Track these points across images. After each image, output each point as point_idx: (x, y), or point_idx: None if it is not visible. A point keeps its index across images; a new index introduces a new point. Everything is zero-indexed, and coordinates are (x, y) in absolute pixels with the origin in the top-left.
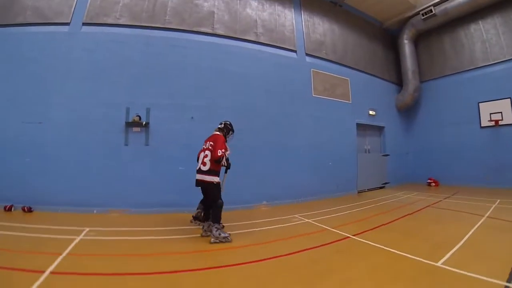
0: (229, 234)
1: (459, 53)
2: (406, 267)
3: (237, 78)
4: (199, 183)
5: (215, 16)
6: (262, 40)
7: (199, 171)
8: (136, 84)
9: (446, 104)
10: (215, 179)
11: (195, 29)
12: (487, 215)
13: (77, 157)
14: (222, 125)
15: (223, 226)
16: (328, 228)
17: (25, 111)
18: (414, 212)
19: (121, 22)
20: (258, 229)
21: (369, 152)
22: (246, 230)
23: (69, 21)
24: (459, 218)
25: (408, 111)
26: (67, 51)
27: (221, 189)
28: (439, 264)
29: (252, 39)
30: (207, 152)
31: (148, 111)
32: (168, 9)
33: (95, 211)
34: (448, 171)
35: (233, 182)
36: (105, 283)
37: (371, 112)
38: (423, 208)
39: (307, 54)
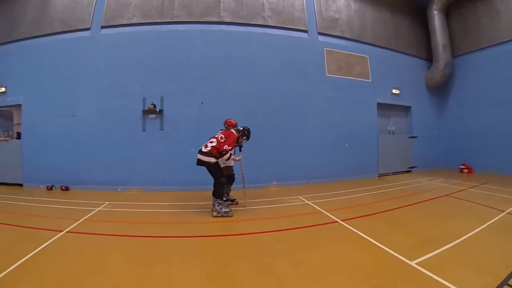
0: (230, 209)
1: (496, 22)
2: (371, 259)
3: (244, 63)
4: (198, 162)
5: (221, 4)
6: (270, 23)
7: (200, 151)
8: (150, 76)
9: (484, 82)
10: (211, 159)
11: (202, 19)
12: (508, 211)
13: (103, 143)
14: (241, 128)
15: (225, 201)
16: (322, 211)
17: (60, 107)
18: (425, 201)
19: (133, 21)
20: (257, 207)
21: (393, 134)
22: (245, 208)
23: (89, 27)
24: (473, 212)
25: (439, 90)
26: (90, 53)
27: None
28: (412, 263)
29: (260, 23)
30: (214, 139)
31: (162, 99)
32: (176, 3)
33: (119, 189)
34: (484, 157)
35: (244, 162)
36: (110, 241)
37: (394, 91)
38: (440, 197)
39: (319, 33)
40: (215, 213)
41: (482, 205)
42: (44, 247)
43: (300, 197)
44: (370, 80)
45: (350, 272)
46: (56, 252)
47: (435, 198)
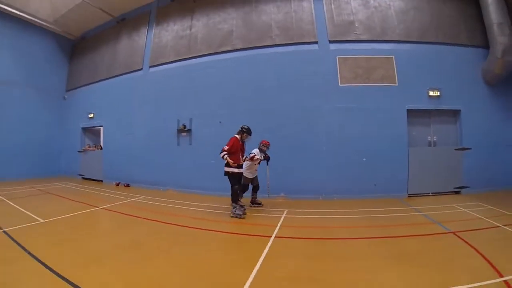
0: (243, 213)
1: None
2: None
3: (253, 84)
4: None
5: (234, 33)
6: (277, 41)
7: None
8: (182, 102)
9: None
10: (228, 169)
11: (218, 50)
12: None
13: (150, 153)
14: (239, 129)
15: (241, 206)
16: (281, 225)
17: (123, 127)
18: (413, 236)
19: (170, 59)
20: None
21: (434, 145)
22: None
23: (142, 67)
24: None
25: (505, 84)
26: (142, 87)
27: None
28: None
29: (267, 44)
30: None
31: (190, 120)
32: (199, 40)
33: (161, 189)
34: None
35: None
36: (135, 221)
37: (431, 93)
38: (443, 233)
39: (331, 41)
40: (231, 214)
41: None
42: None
43: (286, 210)
44: (396, 84)
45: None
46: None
47: (432, 235)
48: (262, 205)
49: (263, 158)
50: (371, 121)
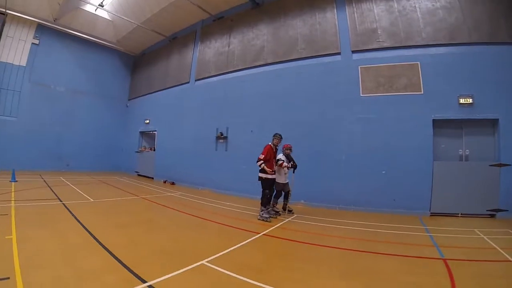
0: (270, 216)
1: None
2: None
3: (281, 96)
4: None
5: (265, 49)
6: (304, 55)
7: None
8: (220, 112)
9: None
10: (262, 175)
11: (252, 64)
12: None
13: (192, 157)
14: (273, 136)
15: (276, 211)
16: (278, 226)
17: (173, 133)
18: (388, 255)
19: (211, 74)
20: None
21: (466, 160)
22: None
23: (189, 81)
24: None
25: None
26: (188, 98)
27: (290, 188)
28: None
29: (295, 57)
30: None
31: (227, 129)
32: (235, 55)
33: (199, 188)
34: None
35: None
36: (160, 208)
37: (462, 100)
38: (430, 258)
39: (353, 52)
40: (259, 217)
41: None
42: (124, 200)
43: (293, 216)
44: (422, 92)
45: None
46: (127, 201)
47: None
48: (293, 212)
49: (290, 166)
50: (393, 132)
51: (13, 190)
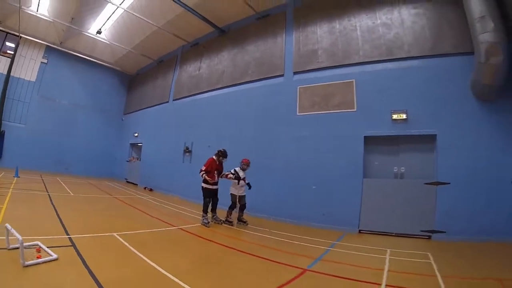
0: (209, 222)
1: None
2: None
3: (233, 116)
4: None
5: (225, 73)
6: (253, 77)
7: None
8: (188, 129)
9: None
10: (202, 185)
11: (214, 87)
12: None
13: (166, 167)
14: (216, 151)
15: (212, 216)
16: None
17: (155, 146)
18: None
19: (185, 95)
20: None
21: (401, 178)
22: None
23: (168, 100)
24: None
25: (506, 99)
26: (167, 115)
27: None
28: None
29: (247, 80)
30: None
31: (192, 144)
32: (203, 79)
33: (170, 194)
34: None
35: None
36: (121, 204)
37: (395, 116)
38: (288, 265)
39: (295, 73)
40: (201, 222)
41: None
42: (98, 197)
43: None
44: (355, 109)
45: None
46: (101, 198)
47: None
48: (247, 223)
49: (234, 178)
50: (324, 149)
51: (13, 182)
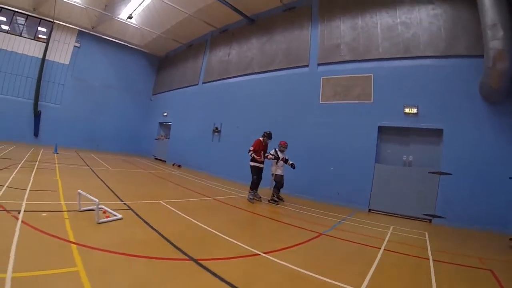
0: (253, 198)
1: None
2: None
3: (260, 100)
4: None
5: (253, 60)
6: (280, 66)
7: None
8: (217, 110)
9: None
10: (251, 163)
11: (243, 72)
12: None
13: (195, 145)
14: (263, 133)
15: (252, 192)
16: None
17: (183, 125)
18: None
19: (214, 78)
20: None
21: (409, 165)
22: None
23: (198, 83)
24: None
25: (510, 103)
26: (197, 97)
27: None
28: None
29: (274, 68)
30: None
31: (221, 124)
32: (232, 65)
33: (198, 171)
34: None
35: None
36: (152, 177)
37: (407, 110)
38: (306, 230)
39: (319, 64)
40: (247, 198)
41: None
42: (133, 171)
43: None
44: (372, 101)
45: None
46: (135, 173)
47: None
48: (284, 201)
49: (281, 158)
50: (342, 135)
51: (56, 158)
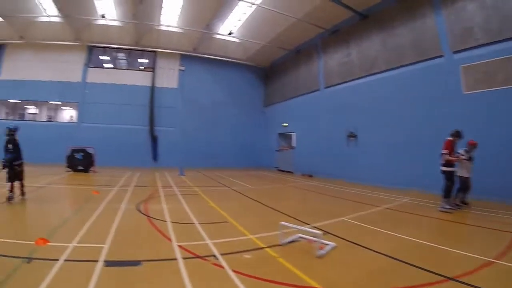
0: (451, 207)
1: None
2: None
3: (394, 100)
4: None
5: (378, 58)
6: (407, 61)
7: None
8: (347, 114)
9: None
10: (444, 168)
11: (367, 73)
12: None
13: (326, 154)
14: (453, 132)
15: (457, 204)
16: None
17: (308, 133)
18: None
19: (336, 82)
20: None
21: None
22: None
23: (319, 88)
24: None
25: None
26: (320, 103)
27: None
28: None
29: (403, 64)
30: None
31: (356, 129)
32: (355, 66)
33: (333, 178)
34: None
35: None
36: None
37: None
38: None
39: (454, 52)
40: (439, 208)
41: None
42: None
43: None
44: None
45: None
46: (277, 189)
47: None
48: (469, 205)
49: (468, 158)
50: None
51: (186, 180)
